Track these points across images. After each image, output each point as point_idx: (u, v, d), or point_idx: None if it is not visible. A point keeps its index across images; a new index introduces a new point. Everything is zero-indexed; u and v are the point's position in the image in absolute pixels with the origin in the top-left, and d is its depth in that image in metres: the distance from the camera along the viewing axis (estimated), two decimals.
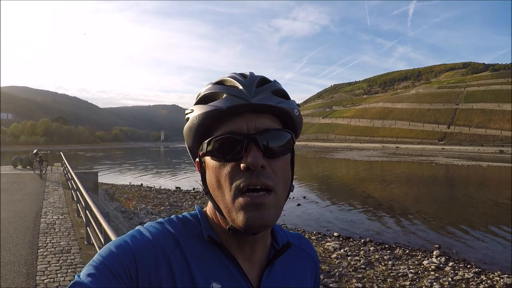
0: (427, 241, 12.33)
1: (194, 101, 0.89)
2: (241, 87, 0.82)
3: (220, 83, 0.86)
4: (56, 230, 8.59)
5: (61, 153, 23.13)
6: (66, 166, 16.43)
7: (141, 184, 25.94)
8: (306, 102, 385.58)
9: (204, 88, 0.88)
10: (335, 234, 12.69)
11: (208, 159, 0.84)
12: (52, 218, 9.84)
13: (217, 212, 0.86)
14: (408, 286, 8.13)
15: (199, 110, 0.83)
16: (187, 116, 0.87)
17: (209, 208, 0.92)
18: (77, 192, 9.75)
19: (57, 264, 6.26)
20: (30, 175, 21.15)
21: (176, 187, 24.32)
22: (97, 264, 0.73)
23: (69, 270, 6.00)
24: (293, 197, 20.33)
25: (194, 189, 23.63)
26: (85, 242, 7.53)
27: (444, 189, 27.47)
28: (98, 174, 19.67)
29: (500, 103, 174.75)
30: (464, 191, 27.31)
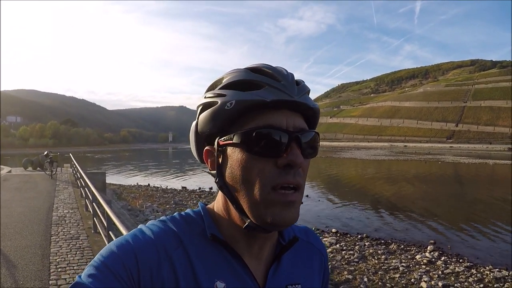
0: (423, 237, 12.60)
1: (217, 85, 0.84)
2: (282, 81, 0.80)
3: (257, 71, 0.82)
4: (67, 221, 9.68)
5: (70, 154, 23.78)
6: (75, 166, 17.25)
7: (148, 184, 26.30)
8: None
9: (235, 73, 0.83)
10: (333, 230, 13.03)
11: (235, 150, 0.79)
12: (63, 212, 10.88)
13: (232, 208, 0.83)
14: (397, 279, 8.44)
15: (235, 96, 0.78)
16: (212, 99, 0.81)
17: (217, 204, 0.89)
18: (86, 188, 10.54)
19: (68, 248, 7.29)
20: (41, 175, 22.16)
21: (182, 187, 24.66)
22: (98, 265, 0.73)
23: (77, 252, 6.99)
24: None
25: (199, 188, 23.97)
26: (92, 231, 8.53)
27: (447, 187, 27.64)
28: (106, 174, 20.32)
29: (508, 100, 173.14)
30: (467, 189, 27.55)
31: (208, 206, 0.91)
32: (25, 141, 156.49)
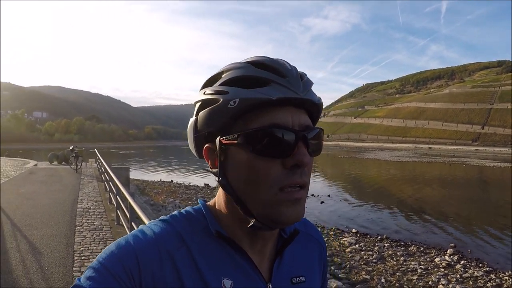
0: (443, 240, 12.48)
1: (216, 80, 0.82)
2: (287, 77, 0.77)
3: (261, 66, 0.79)
4: (91, 213, 10.02)
5: (95, 149, 24.28)
6: (100, 161, 17.65)
7: (171, 181, 26.57)
8: (338, 101, 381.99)
9: (237, 68, 0.80)
10: (353, 230, 13.05)
11: (239, 150, 0.77)
12: (87, 204, 11.26)
13: (235, 206, 0.80)
14: (415, 281, 8.44)
15: (239, 94, 0.75)
16: (214, 96, 0.79)
17: (218, 201, 0.87)
18: (110, 182, 10.88)
19: (91, 238, 7.67)
20: (66, 169, 22.73)
21: (205, 184, 24.76)
22: (98, 267, 0.72)
23: (100, 242, 7.34)
24: (318, 195, 20.74)
25: None
26: (115, 223, 8.88)
27: (470, 190, 27.28)
28: (130, 170, 20.66)
29: None
30: (490, 193, 27.17)
31: (208, 203, 0.90)
32: (50, 136, 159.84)
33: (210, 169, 0.84)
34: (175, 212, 0.87)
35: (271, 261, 0.88)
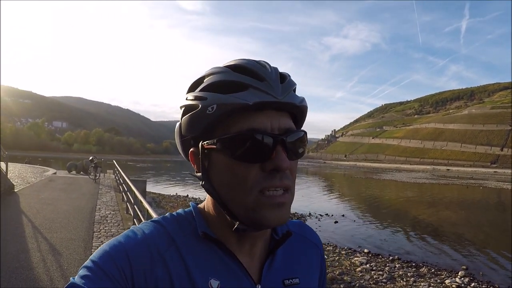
0: (455, 262, 12.40)
1: (198, 85, 0.83)
2: (266, 80, 0.77)
3: (239, 70, 0.79)
4: (108, 221, 10.57)
5: (114, 161, 24.88)
6: (119, 171, 18.14)
7: (187, 195, 26.67)
8: (356, 121, 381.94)
9: (216, 73, 0.81)
10: (365, 250, 13.03)
11: (219, 155, 0.78)
12: (105, 212, 11.74)
13: (220, 210, 0.82)
14: None
15: (216, 100, 0.76)
16: (194, 102, 0.80)
17: (207, 203, 0.89)
18: (128, 193, 11.25)
19: None
20: (85, 179, 23.42)
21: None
22: (91, 265, 0.73)
23: None
24: (332, 215, 20.78)
25: None
26: None
27: (485, 213, 27.01)
28: (147, 183, 20.99)
29: None
30: (507, 216, 26.84)
31: (199, 205, 0.92)
32: (69, 146, 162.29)
33: (195, 173, 0.87)
34: (166, 214, 0.89)
35: (262, 262, 0.88)
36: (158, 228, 0.82)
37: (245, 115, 0.76)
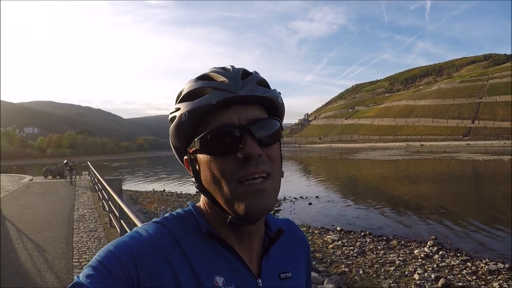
0: (425, 233, 12.75)
1: (178, 99, 0.88)
2: (226, 80, 0.82)
3: (204, 78, 0.86)
4: (86, 218, 11.31)
5: (88, 162, 25.12)
6: (93, 172, 18.48)
7: (164, 190, 26.81)
8: (328, 103, 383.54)
9: (186, 86, 0.87)
10: (338, 228, 13.39)
11: (201, 155, 0.84)
12: (83, 211, 12.44)
13: (215, 207, 0.86)
14: (392, 271, 8.80)
15: (186, 108, 0.83)
16: (173, 115, 0.87)
17: (202, 203, 0.92)
18: (103, 191, 11.81)
19: (87, 237, 8.94)
20: (61, 182, 23.85)
21: (197, 191, 24.81)
22: (96, 265, 0.73)
23: (95, 241, 8.61)
24: (306, 197, 21.31)
25: None
26: (108, 225, 10.11)
27: (455, 184, 27.78)
28: (123, 182, 21.24)
29: None
30: (475, 185, 27.75)
31: (197, 204, 0.95)
32: (42, 151, 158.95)
33: (192, 178, 0.91)
34: (166, 214, 0.91)
35: (259, 258, 0.92)
36: (161, 229, 0.84)
37: (213, 115, 0.83)
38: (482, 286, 8.04)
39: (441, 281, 8.01)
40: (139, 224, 3.93)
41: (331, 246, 11.02)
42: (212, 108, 0.81)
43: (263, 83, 0.88)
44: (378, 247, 10.94)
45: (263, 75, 0.91)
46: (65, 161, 25.42)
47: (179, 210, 0.93)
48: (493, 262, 9.32)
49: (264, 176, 0.80)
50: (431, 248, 10.74)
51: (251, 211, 0.79)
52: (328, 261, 9.59)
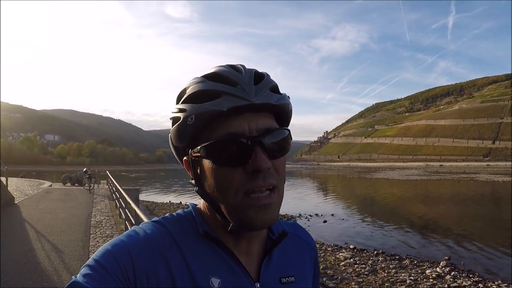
0: (439, 253, 12.60)
1: (181, 97, 0.85)
2: (239, 84, 0.79)
3: (213, 78, 0.82)
4: (103, 225, 11.68)
5: (107, 171, 25.56)
6: (112, 181, 18.80)
7: (180, 202, 26.92)
8: (348, 122, 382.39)
9: (193, 84, 0.84)
10: (351, 246, 13.31)
11: (205, 161, 0.81)
12: (100, 218, 12.79)
13: (215, 212, 0.85)
14: None
15: (193, 110, 0.79)
16: (176, 115, 0.83)
17: (203, 205, 0.91)
18: (120, 199, 12.04)
19: (103, 242, 9.12)
20: (80, 189, 24.46)
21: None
22: (93, 264, 0.73)
23: None
24: (321, 214, 21.18)
25: None
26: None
27: (473, 206, 27.40)
28: (141, 192, 21.56)
29: None
30: (494, 207, 27.31)
31: (198, 205, 0.94)
32: (62, 159, 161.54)
33: (190, 180, 0.90)
34: (166, 214, 0.91)
35: (259, 261, 0.90)
36: (160, 228, 0.84)
37: (222, 121, 0.79)
38: None
39: None
40: None
41: (342, 263, 10.98)
42: (223, 114, 0.78)
43: (275, 89, 0.86)
44: (390, 266, 10.85)
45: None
46: (84, 169, 25.95)
47: (179, 210, 0.93)
48: (505, 284, 9.23)
49: (270, 188, 0.79)
50: (443, 268, 10.61)
51: (256, 224, 0.79)
52: (339, 278, 9.56)
